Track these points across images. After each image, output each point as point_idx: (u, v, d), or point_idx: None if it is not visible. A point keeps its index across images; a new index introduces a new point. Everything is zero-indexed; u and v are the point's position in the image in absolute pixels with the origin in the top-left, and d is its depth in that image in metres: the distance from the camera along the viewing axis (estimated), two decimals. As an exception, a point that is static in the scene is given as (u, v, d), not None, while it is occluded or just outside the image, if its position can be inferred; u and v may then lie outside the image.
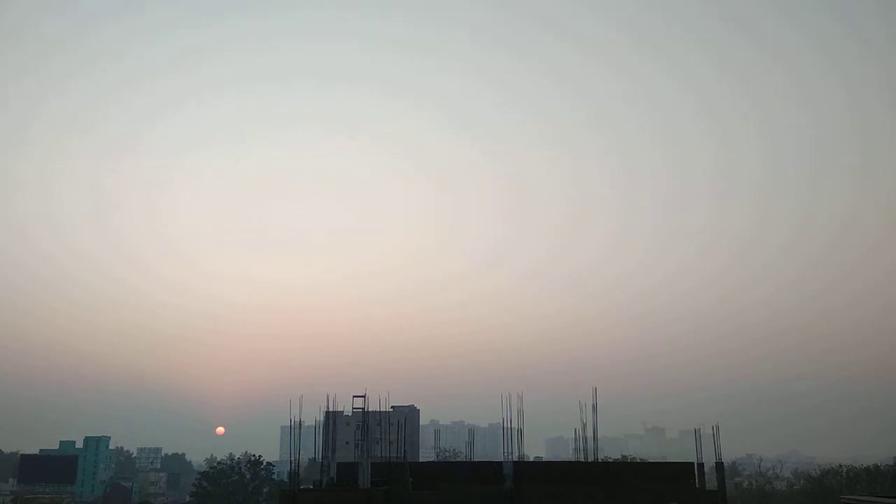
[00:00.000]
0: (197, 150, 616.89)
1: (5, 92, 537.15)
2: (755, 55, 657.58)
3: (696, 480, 33.73)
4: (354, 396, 39.66)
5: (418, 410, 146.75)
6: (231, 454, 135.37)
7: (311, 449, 40.40)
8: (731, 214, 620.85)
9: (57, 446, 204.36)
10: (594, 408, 36.04)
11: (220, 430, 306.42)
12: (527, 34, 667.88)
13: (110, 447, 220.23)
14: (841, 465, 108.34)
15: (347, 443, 70.80)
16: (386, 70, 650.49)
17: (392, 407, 44.78)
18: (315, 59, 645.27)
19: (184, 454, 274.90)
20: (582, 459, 36.06)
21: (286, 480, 63.14)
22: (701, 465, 34.30)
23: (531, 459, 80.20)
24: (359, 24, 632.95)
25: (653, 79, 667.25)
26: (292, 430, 35.08)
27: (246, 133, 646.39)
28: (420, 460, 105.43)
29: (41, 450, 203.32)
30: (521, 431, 36.69)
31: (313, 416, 38.05)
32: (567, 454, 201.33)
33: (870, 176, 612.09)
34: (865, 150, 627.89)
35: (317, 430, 37.77)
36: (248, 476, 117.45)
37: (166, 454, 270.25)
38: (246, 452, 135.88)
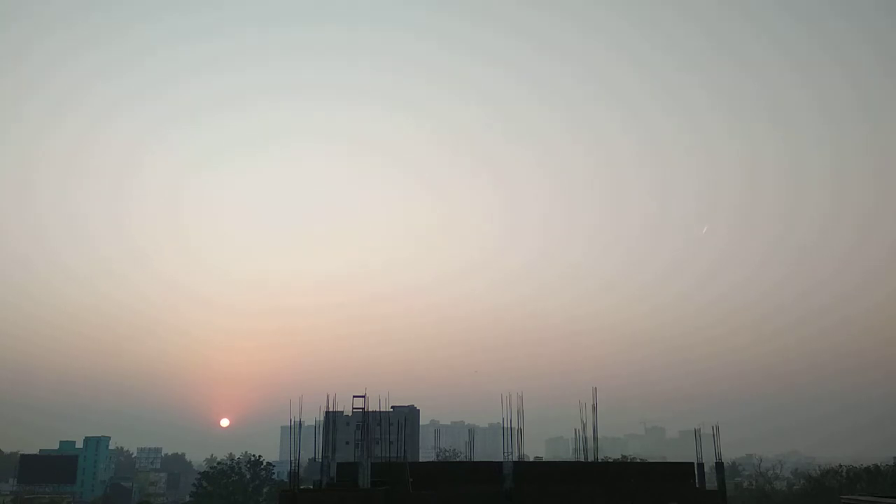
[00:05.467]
0: (207, 158, 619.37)
1: (28, 93, 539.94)
2: (728, 58, 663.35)
3: (696, 480, 33.68)
4: (354, 396, 39.47)
5: (418, 410, 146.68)
6: (231, 454, 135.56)
7: (311, 449, 40.32)
8: (723, 212, 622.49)
9: (57, 446, 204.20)
10: (594, 408, 35.97)
11: (225, 422, 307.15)
12: (513, 45, 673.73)
13: (110, 447, 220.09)
14: (841, 465, 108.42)
15: (347, 443, 70.76)
16: (389, 85, 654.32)
17: (392, 407, 44.64)
18: (317, 74, 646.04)
19: (184, 454, 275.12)
20: (582, 459, 35.99)
21: (286, 480, 63.16)
22: (701, 465, 34.22)
23: (531, 459, 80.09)
24: (371, 42, 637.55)
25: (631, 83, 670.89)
26: (292, 430, 35.01)
27: (251, 142, 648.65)
28: (420, 460, 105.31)
29: (41, 450, 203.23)
30: (521, 431, 36.61)
31: (313, 416, 37.95)
32: (567, 454, 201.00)
33: (848, 177, 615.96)
34: (840, 155, 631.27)
35: (317, 430, 37.64)
36: (248, 476, 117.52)
37: (166, 454, 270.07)
38: (246, 452, 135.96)
